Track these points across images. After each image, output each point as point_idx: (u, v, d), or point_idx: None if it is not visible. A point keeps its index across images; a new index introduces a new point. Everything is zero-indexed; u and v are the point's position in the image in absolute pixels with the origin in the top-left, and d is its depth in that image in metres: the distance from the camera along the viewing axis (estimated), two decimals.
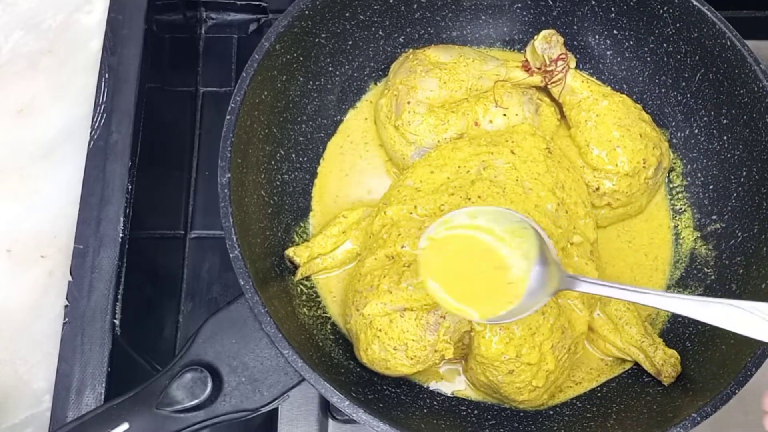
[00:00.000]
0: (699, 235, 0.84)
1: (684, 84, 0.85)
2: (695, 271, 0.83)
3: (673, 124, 0.87)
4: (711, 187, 0.84)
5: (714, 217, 0.84)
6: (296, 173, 0.84)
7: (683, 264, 0.84)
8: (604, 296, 0.72)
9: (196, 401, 0.66)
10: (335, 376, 0.71)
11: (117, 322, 0.77)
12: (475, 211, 0.67)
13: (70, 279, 0.77)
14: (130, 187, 0.81)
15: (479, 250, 0.66)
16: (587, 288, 0.65)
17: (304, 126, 0.85)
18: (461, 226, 0.67)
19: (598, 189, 0.82)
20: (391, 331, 0.72)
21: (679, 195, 0.87)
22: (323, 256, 0.81)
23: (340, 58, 0.87)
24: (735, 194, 0.81)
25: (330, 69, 0.87)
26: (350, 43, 0.87)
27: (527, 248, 0.65)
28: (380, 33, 0.89)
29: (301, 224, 0.84)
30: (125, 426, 0.65)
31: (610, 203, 0.83)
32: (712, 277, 0.81)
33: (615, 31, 0.88)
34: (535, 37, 0.83)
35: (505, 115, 0.83)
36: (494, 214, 0.66)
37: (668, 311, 0.61)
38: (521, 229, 0.66)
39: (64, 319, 0.76)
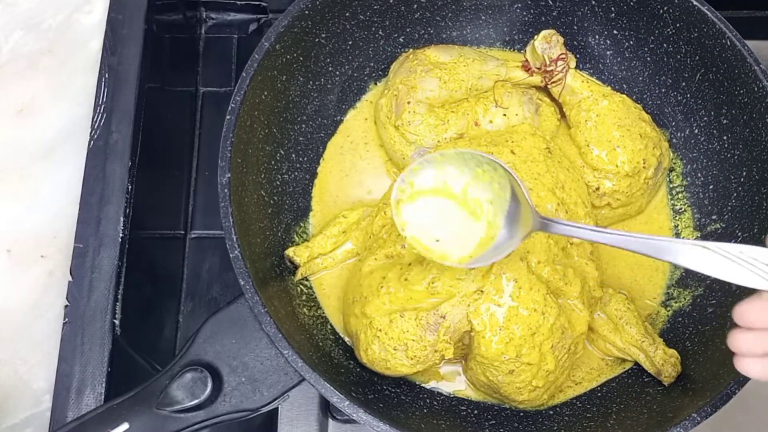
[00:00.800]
0: (699, 235, 0.84)
1: (684, 84, 0.85)
2: (695, 272, 0.83)
3: (673, 124, 0.87)
4: (711, 187, 0.84)
5: (714, 217, 0.84)
6: (296, 173, 0.84)
7: None
8: (572, 237, 0.72)
9: (196, 401, 0.66)
10: (335, 376, 0.72)
11: (117, 322, 0.77)
12: (443, 158, 0.67)
13: (70, 279, 0.77)
14: (130, 187, 0.81)
15: (448, 204, 0.67)
16: (559, 229, 0.65)
17: (304, 126, 0.85)
18: (429, 190, 0.68)
19: (598, 189, 0.82)
20: (391, 331, 0.72)
21: (679, 195, 0.87)
22: (323, 256, 0.81)
23: (340, 58, 0.87)
24: (735, 194, 0.81)
25: (330, 69, 0.87)
26: (350, 43, 0.87)
27: (497, 189, 0.66)
28: (380, 33, 0.89)
29: (301, 224, 0.84)
30: (125, 426, 0.65)
31: (610, 203, 0.83)
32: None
33: (615, 31, 0.88)
34: (535, 37, 0.83)
35: (505, 115, 0.83)
36: (462, 157, 0.67)
37: (634, 251, 0.61)
38: (492, 171, 0.66)
39: (64, 319, 0.76)
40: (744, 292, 0.76)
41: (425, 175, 0.68)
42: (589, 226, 0.64)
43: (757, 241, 0.77)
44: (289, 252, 0.79)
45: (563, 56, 0.83)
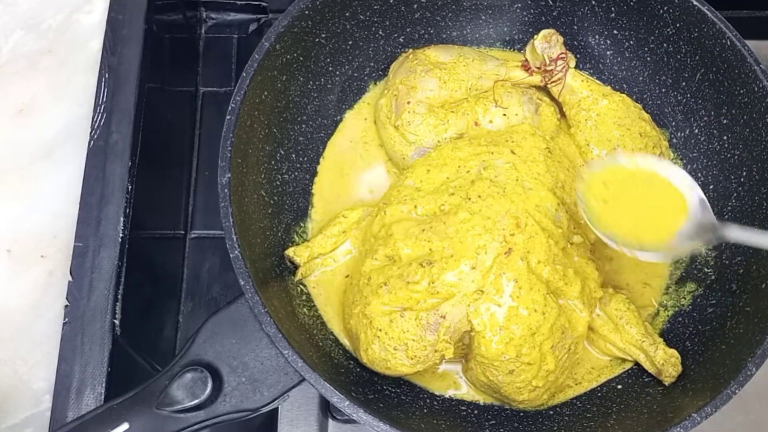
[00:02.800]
0: None
1: (684, 84, 0.85)
2: (695, 271, 0.83)
3: (673, 124, 0.87)
4: (711, 187, 0.84)
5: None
6: (296, 173, 0.84)
7: (683, 264, 0.84)
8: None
9: (196, 401, 0.66)
10: (335, 376, 0.72)
11: (117, 322, 0.77)
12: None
13: (70, 279, 0.77)
14: (130, 187, 0.81)
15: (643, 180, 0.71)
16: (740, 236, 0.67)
17: (304, 126, 0.85)
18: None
19: None
20: (392, 331, 0.72)
21: None
22: (323, 256, 0.81)
23: (340, 58, 0.87)
24: (735, 194, 0.81)
25: (330, 69, 0.87)
26: (350, 43, 0.87)
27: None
28: (380, 33, 0.89)
29: (301, 224, 0.84)
30: (125, 426, 0.65)
31: None
32: (712, 277, 0.81)
33: (615, 31, 0.88)
34: (535, 36, 0.83)
35: (505, 114, 0.83)
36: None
37: None
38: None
39: (64, 319, 0.76)
40: (744, 292, 0.77)
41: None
42: None
43: None
44: (289, 252, 0.79)
45: (563, 56, 0.83)
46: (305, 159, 0.85)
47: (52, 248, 0.87)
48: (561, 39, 0.84)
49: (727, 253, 0.81)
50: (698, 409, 0.67)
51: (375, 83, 0.91)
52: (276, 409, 0.81)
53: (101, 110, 0.84)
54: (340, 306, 0.81)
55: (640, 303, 0.82)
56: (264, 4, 1.04)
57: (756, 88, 0.77)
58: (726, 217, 0.82)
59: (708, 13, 0.79)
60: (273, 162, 0.81)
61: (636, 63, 0.88)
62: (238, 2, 1.04)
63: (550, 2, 0.88)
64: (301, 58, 0.82)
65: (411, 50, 0.88)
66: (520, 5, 0.90)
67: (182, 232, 0.96)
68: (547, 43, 0.83)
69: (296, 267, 0.80)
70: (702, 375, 0.74)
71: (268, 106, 0.78)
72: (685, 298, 0.82)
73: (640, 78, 0.89)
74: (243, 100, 0.73)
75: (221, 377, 0.68)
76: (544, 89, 0.86)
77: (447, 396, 0.78)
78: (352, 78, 0.89)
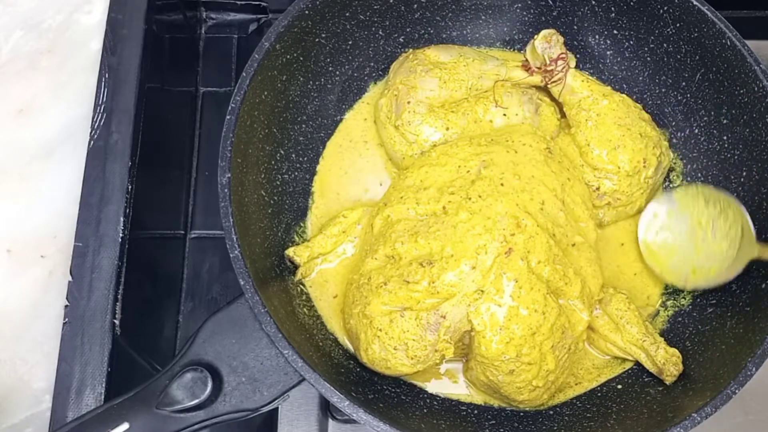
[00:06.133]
0: None
1: (684, 84, 0.85)
2: None
3: (673, 124, 0.87)
4: (711, 187, 0.84)
5: None
6: (296, 173, 0.84)
7: None
8: None
9: (196, 401, 0.66)
10: (335, 376, 0.72)
11: (117, 322, 0.77)
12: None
13: (70, 279, 0.77)
14: (130, 187, 0.81)
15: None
16: None
17: (304, 126, 0.85)
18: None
19: (598, 189, 0.82)
20: (392, 331, 0.72)
21: None
22: (323, 255, 0.81)
23: (340, 58, 0.87)
24: (735, 194, 0.81)
25: (330, 69, 0.87)
26: (350, 43, 0.87)
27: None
28: (380, 33, 0.89)
29: (301, 224, 0.84)
30: (125, 426, 0.65)
31: (610, 203, 0.83)
32: None
33: (615, 31, 0.88)
34: (535, 36, 0.83)
35: (505, 115, 0.83)
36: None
37: None
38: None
39: (64, 319, 0.76)
40: (744, 292, 0.77)
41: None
42: None
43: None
44: (289, 252, 0.79)
45: (563, 56, 0.83)
46: (305, 159, 0.85)
47: (52, 248, 0.87)
48: (561, 39, 0.84)
49: None
50: (698, 409, 0.67)
51: (375, 83, 0.91)
52: (276, 409, 0.81)
53: (101, 110, 0.84)
54: (340, 306, 0.81)
55: (640, 303, 0.82)
56: (264, 4, 1.04)
57: (756, 88, 0.77)
58: None
59: (708, 13, 0.79)
60: (273, 162, 0.81)
61: (636, 63, 0.88)
62: (238, 2, 1.04)
63: (550, 2, 0.88)
64: (301, 58, 0.82)
65: (411, 50, 0.88)
66: (520, 5, 0.90)
67: (182, 232, 0.96)
68: (547, 43, 0.83)
69: (296, 267, 0.80)
70: (702, 375, 0.74)
71: (268, 106, 0.78)
72: (685, 298, 0.82)
73: (640, 78, 0.89)
74: (243, 100, 0.73)
75: (221, 377, 0.68)
76: (544, 89, 0.86)
77: (447, 396, 0.78)
78: (352, 78, 0.89)
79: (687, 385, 0.75)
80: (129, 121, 0.83)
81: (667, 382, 0.76)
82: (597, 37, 0.89)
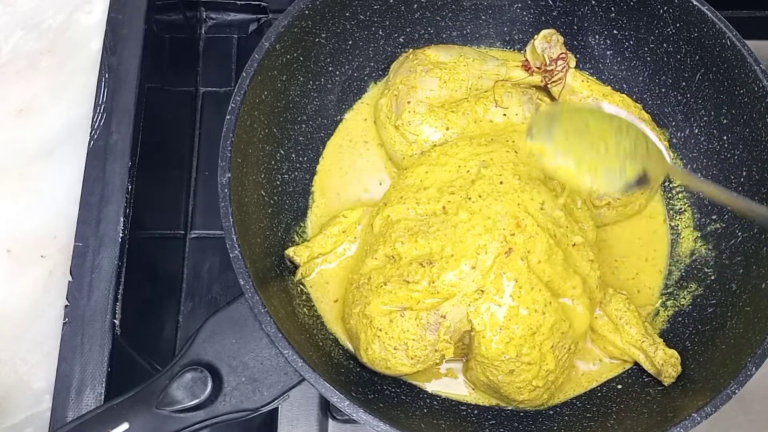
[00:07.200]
0: (699, 235, 0.84)
1: (684, 84, 0.85)
2: (695, 271, 0.83)
3: (673, 124, 0.87)
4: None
5: (714, 217, 0.84)
6: (296, 173, 0.84)
7: (683, 264, 0.84)
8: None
9: (196, 401, 0.66)
10: (335, 376, 0.72)
11: (117, 322, 0.77)
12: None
13: (70, 279, 0.77)
14: (130, 187, 0.81)
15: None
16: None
17: (304, 126, 0.85)
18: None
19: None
20: (392, 331, 0.72)
21: (679, 195, 0.87)
22: (323, 255, 0.81)
23: (340, 58, 0.87)
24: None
25: (330, 69, 0.87)
26: (350, 43, 0.87)
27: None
28: (380, 33, 0.89)
29: (301, 224, 0.84)
30: (125, 426, 0.65)
31: (610, 203, 0.83)
32: (712, 277, 0.81)
33: (615, 31, 0.88)
34: (535, 36, 0.83)
35: (505, 114, 0.83)
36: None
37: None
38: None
39: (64, 319, 0.76)
40: (744, 292, 0.77)
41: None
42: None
43: (757, 241, 0.77)
44: (289, 252, 0.79)
45: (563, 56, 0.83)
46: (305, 159, 0.86)
47: (52, 248, 0.87)
48: (561, 39, 0.84)
49: (727, 252, 0.81)
50: (698, 409, 0.67)
51: (375, 83, 0.91)
52: (276, 409, 0.81)
53: (101, 110, 0.84)
54: (340, 306, 0.81)
55: (639, 303, 0.82)
56: (264, 4, 1.04)
57: (756, 88, 0.77)
58: (726, 216, 0.82)
59: (708, 13, 0.79)
60: (273, 162, 0.81)
61: (636, 63, 0.88)
62: (238, 2, 1.04)
63: (550, 2, 0.88)
64: (301, 58, 0.82)
65: (411, 50, 0.88)
66: (520, 5, 0.90)
67: (182, 232, 0.96)
68: (547, 43, 0.83)
69: (296, 267, 0.80)
70: (702, 375, 0.74)
71: (268, 106, 0.78)
72: (685, 298, 0.82)
73: (640, 78, 0.89)
74: (243, 100, 0.73)
75: (221, 377, 0.68)
76: (544, 89, 0.86)
77: (447, 396, 0.78)
78: (352, 78, 0.89)
79: (687, 385, 0.75)
80: (129, 121, 0.83)
81: (666, 384, 0.76)
82: (597, 37, 0.89)
